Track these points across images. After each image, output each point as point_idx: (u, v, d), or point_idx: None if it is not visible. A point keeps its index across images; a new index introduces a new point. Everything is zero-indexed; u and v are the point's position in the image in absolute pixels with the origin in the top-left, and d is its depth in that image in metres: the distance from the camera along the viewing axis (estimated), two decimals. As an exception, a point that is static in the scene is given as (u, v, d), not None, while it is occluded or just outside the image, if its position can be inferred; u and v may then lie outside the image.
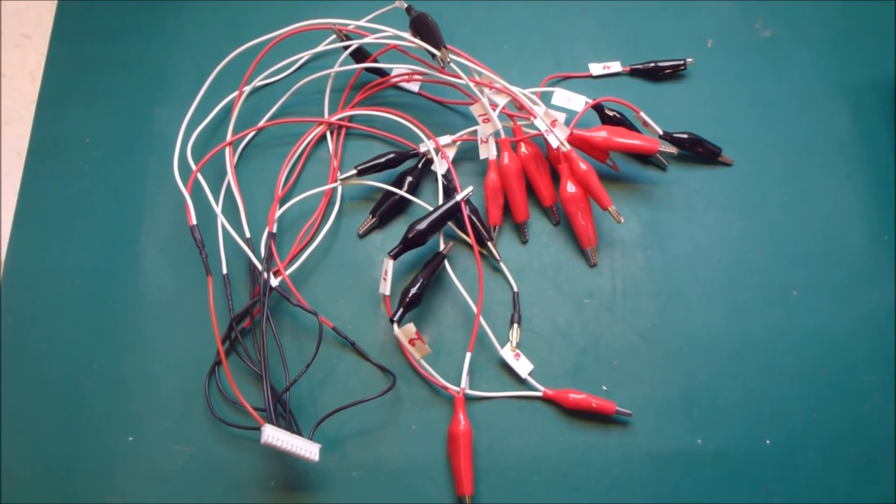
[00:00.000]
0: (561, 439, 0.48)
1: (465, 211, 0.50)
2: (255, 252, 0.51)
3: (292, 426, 0.46)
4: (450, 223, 0.52)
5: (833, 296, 0.52)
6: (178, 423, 0.48)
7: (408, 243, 0.49)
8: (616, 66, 0.59)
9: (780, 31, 0.61)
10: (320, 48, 0.58)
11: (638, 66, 0.59)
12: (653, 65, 0.59)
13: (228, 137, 0.54)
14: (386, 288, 0.49)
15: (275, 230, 0.51)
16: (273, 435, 0.42)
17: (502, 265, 0.52)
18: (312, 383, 0.49)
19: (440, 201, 0.52)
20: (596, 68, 0.59)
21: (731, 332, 0.51)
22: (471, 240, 0.50)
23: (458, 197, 0.49)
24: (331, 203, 0.55)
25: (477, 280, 0.50)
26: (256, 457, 0.47)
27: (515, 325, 0.50)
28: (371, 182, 0.54)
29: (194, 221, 0.49)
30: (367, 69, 0.58)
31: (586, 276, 0.52)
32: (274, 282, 0.48)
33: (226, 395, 0.48)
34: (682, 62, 0.59)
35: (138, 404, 0.49)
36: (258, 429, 0.43)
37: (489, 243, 0.52)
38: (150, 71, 0.60)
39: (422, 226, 0.49)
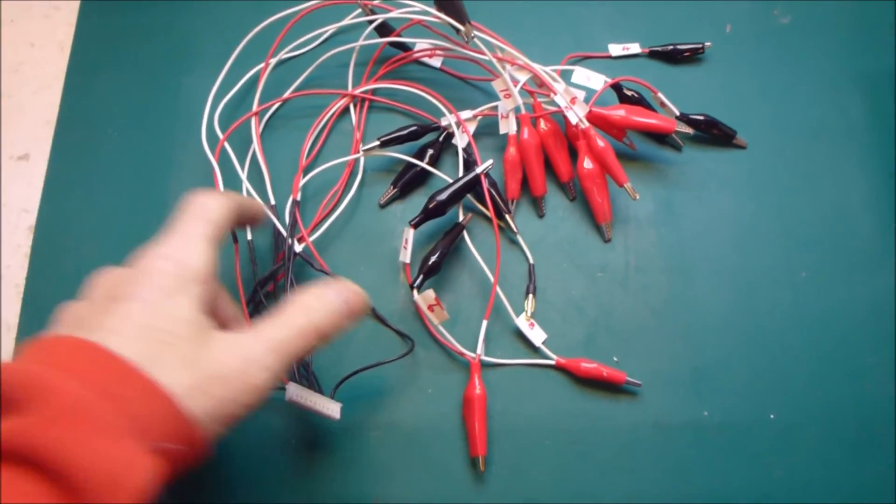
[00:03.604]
0: (571, 406, 0.49)
1: (485, 184, 0.50)
2: (280, 219, 0.52)
3: (314, 386, 0.47)
4: (469, 195, 0.52)
5: (840, 279, 0.52)
6: (203, 382, 0.50)
7: (428, 213, 0.50)
8: (635, 48, 0.60)
9: (799, 18, 0.61)
10: (345, 22, 0.58)
11: (657, 49, 0.60)
12: (671, 47, 0.59)
13: (254, 108, 0.55)
14: (406, 256, 0.50)
15: (299, 198, 0.52)
16: (297, 392, 0.44)
17: (519, 237, 0.53)
18: (334, 348, 0.50)
19: (460, 174, 0.53)
20: (615, 49, 0.60)
21: (740, 311, 0.51)
22: (489, 212, 0.51)
23: (478, 170, 0.50)
24: (353, 173, 0.56)
25: (494, 251, 0.50)
26: (280, 415, 0.48)
27: (531, 296, 0.51)
28: (393, 153, 0.54)
29: (221, 188, 0.50)
30: (391, 44, 0.58)
31: (600, 250, 0.53)
32: (298, 248, 0.50)
33: (249, 356, 0.50)
34: (700, 46, 0.59)
35: (164, 362, 0.50)
36: (283, 388, 0.44)
37: (507, 216, 0.53)
38: (178, 42, 0.61)
39: (442, 197, 0.49)
